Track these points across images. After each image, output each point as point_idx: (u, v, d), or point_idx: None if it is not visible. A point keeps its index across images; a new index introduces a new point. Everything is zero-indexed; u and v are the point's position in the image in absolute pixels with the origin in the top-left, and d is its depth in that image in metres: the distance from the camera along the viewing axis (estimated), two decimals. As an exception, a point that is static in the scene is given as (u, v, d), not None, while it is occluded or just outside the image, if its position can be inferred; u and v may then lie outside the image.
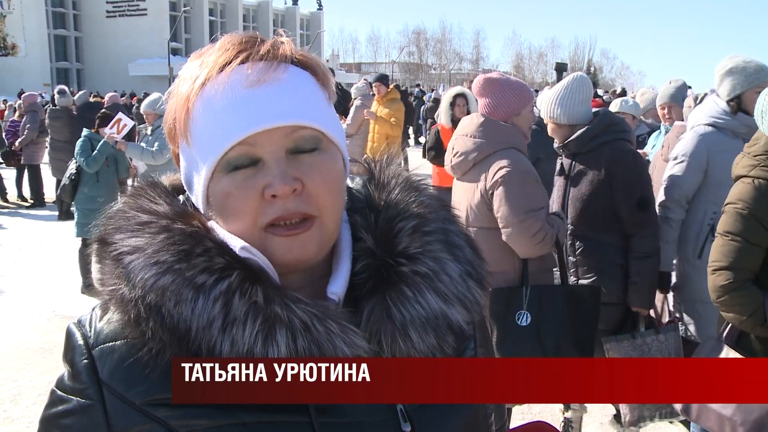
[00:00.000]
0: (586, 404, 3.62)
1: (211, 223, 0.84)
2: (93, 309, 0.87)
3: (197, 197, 0.85)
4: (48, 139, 10.79)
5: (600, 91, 18.36)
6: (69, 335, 0.85)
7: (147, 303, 0.76)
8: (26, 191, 11.60)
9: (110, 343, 0.81)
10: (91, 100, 13.25)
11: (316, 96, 0.84)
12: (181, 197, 0.90)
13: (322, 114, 0.84)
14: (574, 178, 3.27)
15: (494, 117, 3.01)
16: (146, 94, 10.73)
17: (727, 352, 2.42)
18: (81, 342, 0.83)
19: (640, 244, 3.13)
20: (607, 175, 3.14)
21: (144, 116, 6.90)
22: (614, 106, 5.54)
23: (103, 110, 7.61)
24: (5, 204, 11.67)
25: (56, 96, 11.08)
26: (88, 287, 6.55)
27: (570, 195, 3.29)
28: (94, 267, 0.85)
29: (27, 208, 11.33)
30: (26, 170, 11.42)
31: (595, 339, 2.96)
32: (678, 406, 2.59)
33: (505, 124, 2.99)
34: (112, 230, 0.84)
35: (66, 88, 11.64)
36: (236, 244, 0.80)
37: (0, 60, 53.24)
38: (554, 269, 3.29)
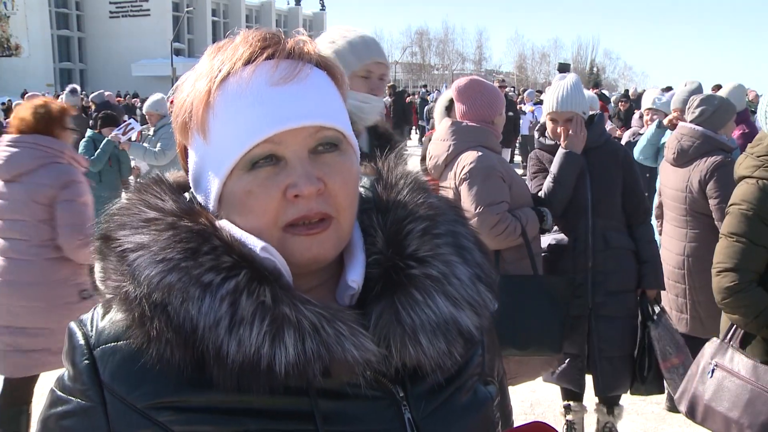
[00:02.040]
0: (585, 405, 3.63)
1: (220, 222, 0.82)
2: (95, 307, 0.85)
3: (209, 194, 0.83)
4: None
5: (606, 92, 18.36)
6: (70, 335, 0.83)
7: (152, 301, 0.74)
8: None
9: (112, 344, 0.79)
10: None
11: (336, 97, 0.84)
12: (186, 194, 0.88)
13: (342, 115, 0.84)
14: (594, 173, 3.33)
15: (467, 120, 3.17)
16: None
17: (732, 354, 2.41)
18: (82, 342, 0.81)
19: (648, 230, 3.38)
20: (622, 168, 3.36)
21: (147, 117, 6.92)
22: (647, 103, 5.53)
23: (105, 111, 7.64)
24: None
25: (67, 95, 11.04)
26: (92, 287, 6.56)
27: (592, 188, 3.32)
28: (96, 264, 0.83)
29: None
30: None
31: (565, 328, 3.07)
32: (682, 408, 2.57)
33: (474, 125, 3.15)
34: (116, 227, 0.81)
35: (77, 87, 11.64)
36: (256, 243, 0.78)
37: (3, 60, 53.36)
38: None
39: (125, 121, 6.76)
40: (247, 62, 0.80)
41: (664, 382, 3.31)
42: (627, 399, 4.16)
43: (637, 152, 5.21)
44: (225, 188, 0.81)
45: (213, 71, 0.81)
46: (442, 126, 3.26)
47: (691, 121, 3.80)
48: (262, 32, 0.83)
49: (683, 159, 3.75)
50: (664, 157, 3.98)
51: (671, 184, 3.86)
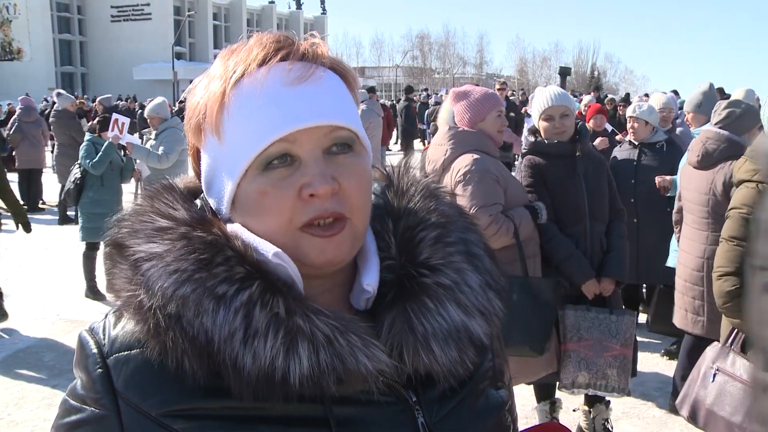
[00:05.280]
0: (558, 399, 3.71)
1: (232, 229, 0.82)
2: (106, 316, 0.85)
3: (221, 196, 0.83)
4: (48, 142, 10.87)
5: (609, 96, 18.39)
6: (82, 343, 0.83)
7: (167, 312, 0.74)
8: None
9: (125, 352, 0.79)
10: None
11: (349, 99, 0.85)
12: (198, 201, 0.88)
13: (355, 116, 0.84)
14: (588, 179, 3.40)
15: (462, 125, 3.31)
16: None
17: (734, 359, 2.40)
18: (95, 350, 0.81)
19: (621, 227, 3.52)
20: (605, 173, 3.54)
21: (149, 120, 6.93)
22: (629, 111, 5.52)
23: (102, 115, 7.65)
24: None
25: (59, 99, 11.08)
26: (92, 291, 6.57)
27: (588, 194, 3.38)
28: (106, 271, 0.83)
29: (27, 211, 11.33)
30: (24, 174, 11.44)
31: (550, 327, 3.12)
32: (684, 413, 2.56)
33: (470, 130, 3.27)
34: (127, 234, 0.81)
35: (62, 91, 11.77)
36: (268, 249, 0.78)
37: (5, 64, 53.39)
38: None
39: (115, 119, 6.72)
40: (262, 63, 0.80)
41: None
42: (628, 402, 4.17)
43: None
44: (239, 189, 0.81)
45: (227, 72, 0.81)
46: (439, 131, 3.39)
47: (715, 124, 3.80)
48: (275, 34, 0.84)
49: (707, 162, 3.75)
50: (687, 161, 3.99)
51: (693, 187, 3.87)
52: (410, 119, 15.76)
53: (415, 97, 17.75)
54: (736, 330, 2.45)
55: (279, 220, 0.79)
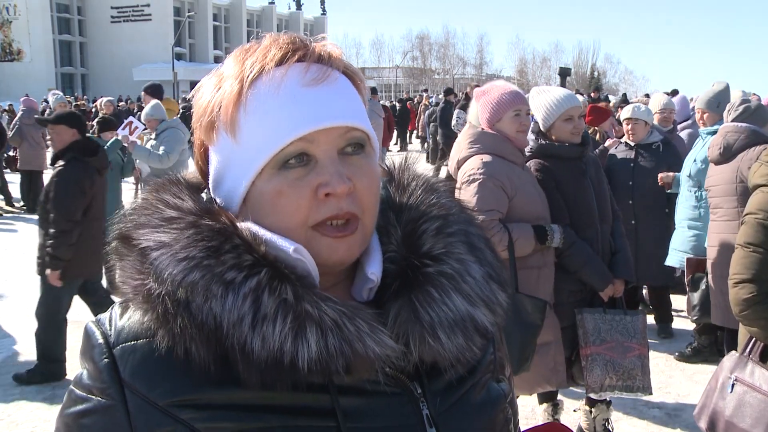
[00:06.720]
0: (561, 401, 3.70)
1: (245, 225, 0.82)
2: (112, 307, 0.85)
3: (232, 194, 0.84)
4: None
5: (612, 97, 18.37)
6: (88, 334, 0.83)
7: (176, 298, 0.75)
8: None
9: (132, 342, 0.79)
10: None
11: (360, 101, 0.87)
12: (203, 194, 0.89)
13: (366, 118, 0.86)
14: (593, 182, 3.40)
15: (482, 125, 3.25)
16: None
17: (753, 368, 2.35)
18: (101, 340, 0.81)
19: (620, 226, 3.52)
20: (602, 172, 3.56)
21: (146, 123, 6.96)
22: (626, 112, 5.50)
23: (102, 116, 7.68)
24: (10, 209, 11.72)
25: (53, 100, 11.11)
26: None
27: (596, 193, 3.38)
28: (111, 266, 0.83)
29: (26, 212, 11.37)
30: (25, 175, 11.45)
31: (529, 348, 3.00)
32: (702, 424, 2.49)
33: (487, 130, 3.20)
34: (133, 227, 0.82)
35: (58, 92, 11.79)
36: (287, 246, 0.79)
37: (5, 65, 53.42)
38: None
39: (129, 121, 6.81)
40: (279, 63, 0.82)
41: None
42: (629, 403, 4.16)
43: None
44: (253, 188, 0.82)
45: (244, 71, 0.82)
46: (463, 130, 3.39)
47: (733, 120, 3.92)
48: (290, 36, 0.86)
49: (729, 153, 3.85)
50: (709, 159, 4.07)
51: (719, 181, 3.93)
52: (449, 123, 13.32)
53: (454, 99, 15.09)
54: (754, 339, 2.40)
55: (294, 220, 0.80)
